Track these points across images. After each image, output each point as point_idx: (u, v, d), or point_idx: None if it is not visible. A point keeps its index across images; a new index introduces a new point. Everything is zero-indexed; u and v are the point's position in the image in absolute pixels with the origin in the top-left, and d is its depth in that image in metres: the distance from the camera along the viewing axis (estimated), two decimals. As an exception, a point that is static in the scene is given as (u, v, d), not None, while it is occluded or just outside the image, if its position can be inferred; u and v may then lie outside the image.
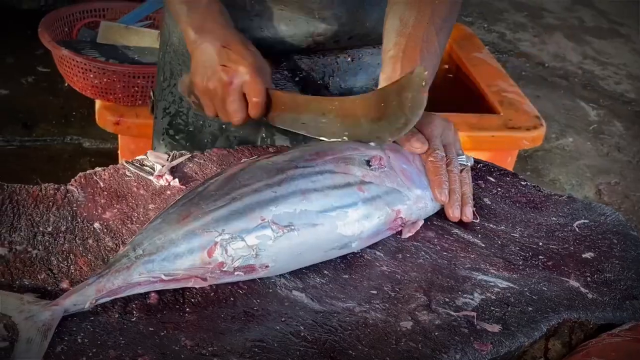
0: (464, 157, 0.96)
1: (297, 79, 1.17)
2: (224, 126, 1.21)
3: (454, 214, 0.92)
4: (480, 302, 0.78)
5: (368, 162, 0.87)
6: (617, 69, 4.53)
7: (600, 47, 4.82)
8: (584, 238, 0.92)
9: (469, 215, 0.92)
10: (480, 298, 0.79)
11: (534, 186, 1.03)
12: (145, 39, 2.06)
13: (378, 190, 0.85)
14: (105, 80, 1.84)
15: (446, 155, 0.93)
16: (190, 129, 1.24)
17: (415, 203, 0.88)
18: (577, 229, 0.94)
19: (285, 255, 0.78)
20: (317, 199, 0.80)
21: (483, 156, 1.39)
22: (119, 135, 2.00)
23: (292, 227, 0.78)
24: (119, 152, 2.08)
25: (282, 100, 1.01)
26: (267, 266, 0.77)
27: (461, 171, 0.94)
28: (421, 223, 0.91)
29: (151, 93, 1.37)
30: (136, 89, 1.87)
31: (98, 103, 1.94)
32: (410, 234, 0.89)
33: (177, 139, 1.27)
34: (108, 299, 0.71)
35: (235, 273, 0.76)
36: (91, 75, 1.84)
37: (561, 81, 4.27)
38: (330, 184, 0.82)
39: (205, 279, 0.75)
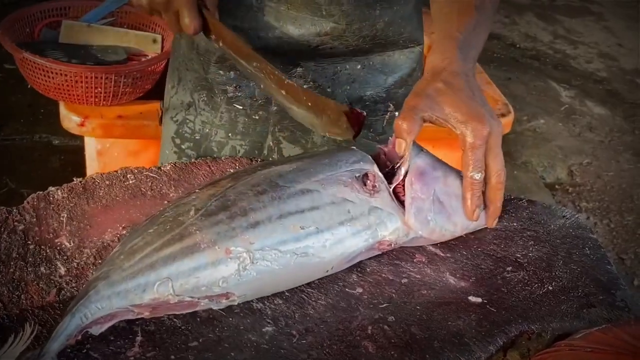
0: None
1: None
2: (230, 134, 1.20)
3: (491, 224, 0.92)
4: (437, 316, 0.78)
5: (362, 181, 0.85)
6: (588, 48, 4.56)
7: (571, 26, 4.84)
8: (543, 243, 0.92)
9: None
10: (437, 311, 0.79)
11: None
12: (108, 37, 2.03)
13: (364, 211, 0.83)
14: (67, 81, 1.81)
15: (488, 165, 0.87)
16: (197, 138, 1.23)
17: (405, 225, 0.85)
18: (536, 234, 0.94)
19: (257, 284, 0.77)
20: (295, 224, 0.79)
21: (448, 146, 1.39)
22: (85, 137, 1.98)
23: (270, 253, 0.77)
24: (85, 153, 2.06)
25: (220, 32, 1.00)
26: (234, 295, 0.76)
27: None
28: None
29: (160, 103, 1.35)
30: (99, 89, 1.84)
31: (62, 105, 1.91)
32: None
33: (183, 149, 1.25)
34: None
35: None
36: (53, 77, 1.81)
37: (533, 62, 4.28)
38: (313, 206, 0.81)
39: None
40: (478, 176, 0.86)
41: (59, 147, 2.86)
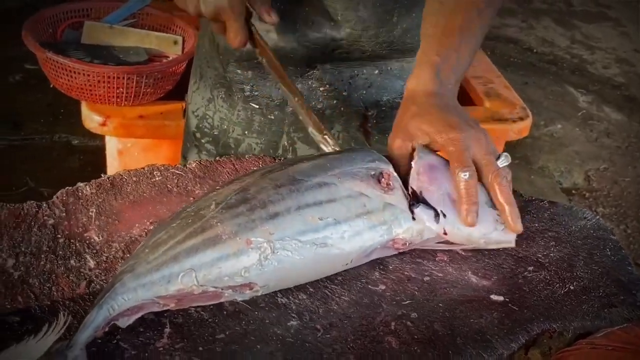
0: (501, 157, 0.88)
1: (322, 88, 1.17)
2: (246, 132, 1.22)
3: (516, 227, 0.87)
4: (459, 314, 0.79)
5: (377, 179, 0.86)
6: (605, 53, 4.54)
7: (588, 32, 4.83)
8: (564, 244, 0.93)
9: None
10: (460, 309, 0.80)
11: (514, 191, 1.03)
12: (130, 38, 2.05)
13: (379, 206, 0.84)
14: (89, 81, 1.83)
15: (481, 170, 0.87)
16: (215, 133, 1.26)
17: (418, 223, 0.86)
18: (557, 235, 0.95)
19: (279, 274, 0.78)
20: (314, 215, 0.80)
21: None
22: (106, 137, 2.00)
23: (289, 245, 0.78)
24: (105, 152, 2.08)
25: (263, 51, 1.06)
26: (256, 285, 0.77)
27: None
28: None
29: (186, 96, 1.39)
30: (121, 89, 1.87)
31: (84, 105, 1.93)
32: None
33: (202, 143, 1.28)
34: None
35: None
36: (75, 77, 1.84)
37: (550, 67, 4.27)
38: (331, 198, 0.82)
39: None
40: (466, 175, 0.85)
41: (79, 147, 2.89)
